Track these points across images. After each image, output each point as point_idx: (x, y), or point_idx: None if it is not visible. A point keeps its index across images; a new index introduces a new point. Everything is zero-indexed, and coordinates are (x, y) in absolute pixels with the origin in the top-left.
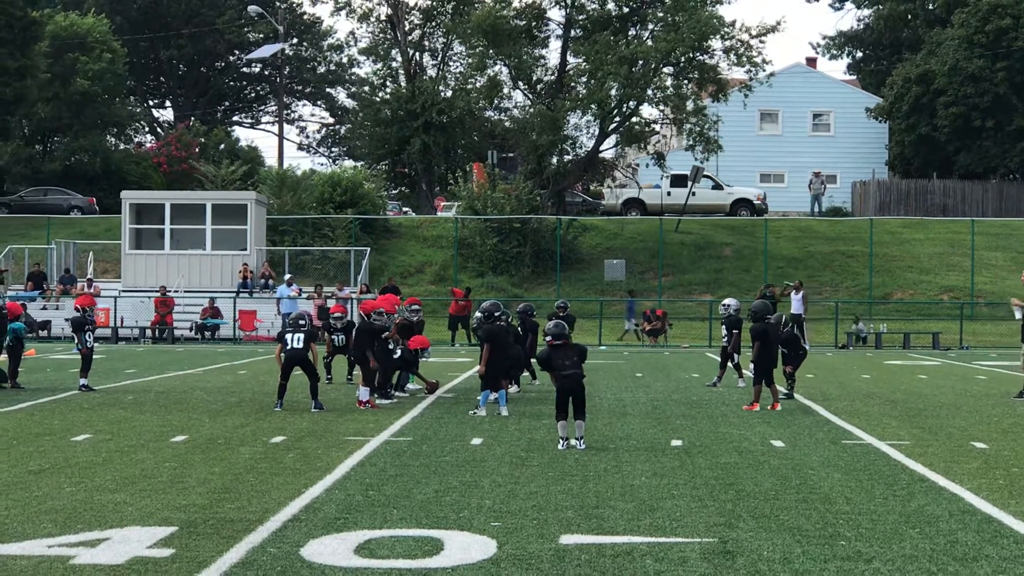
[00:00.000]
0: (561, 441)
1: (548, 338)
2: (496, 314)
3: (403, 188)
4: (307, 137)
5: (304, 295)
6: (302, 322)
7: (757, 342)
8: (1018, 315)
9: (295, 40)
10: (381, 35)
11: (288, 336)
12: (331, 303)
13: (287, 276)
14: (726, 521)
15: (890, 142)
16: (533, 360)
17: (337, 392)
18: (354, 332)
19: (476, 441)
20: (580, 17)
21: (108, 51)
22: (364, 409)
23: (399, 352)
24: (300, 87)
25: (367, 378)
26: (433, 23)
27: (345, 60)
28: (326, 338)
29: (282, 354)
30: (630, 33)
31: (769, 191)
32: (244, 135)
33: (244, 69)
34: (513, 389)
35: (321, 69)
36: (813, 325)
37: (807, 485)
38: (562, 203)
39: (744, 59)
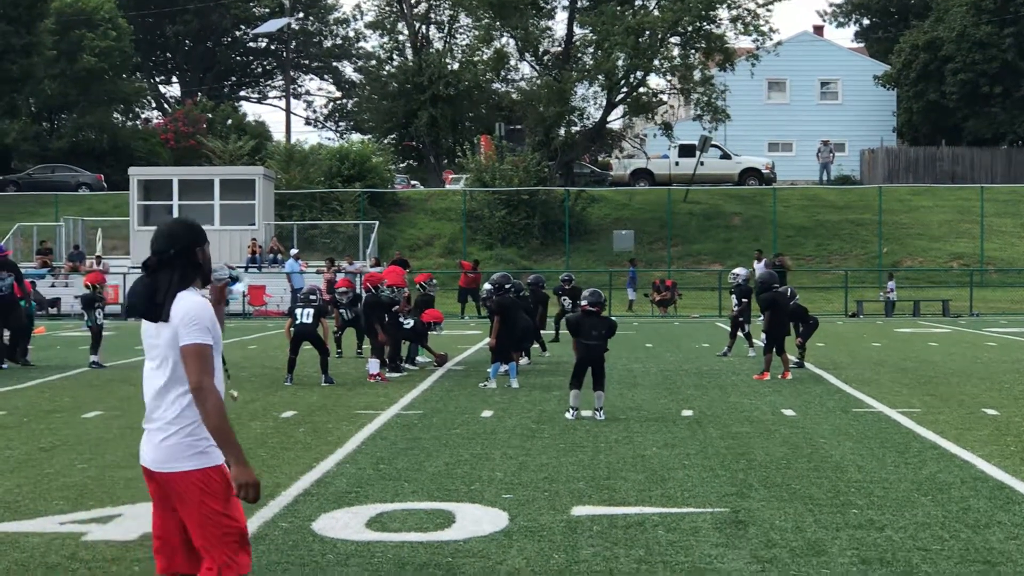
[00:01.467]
0: (571, 410)
1: (583, 303)
2: (506, 286)
3: (411, 161)
4: (314, 111)
5: (314, 269)
6: (312, 297)
7: (767, 311)
8: None
9: (301, 14)
10: (387, 8)
11: (298, 311)
12: (340, 277)
13: (293, 251)
14: (737, 491)
15: (898, 110)
16: (543, 332)
17: (347, 366)
18: (361, 305)
19: (487, 413)
20: None
21: (114, 28)
22: (374, 382)
23: (411, 322)
24: (307, 61)
25: (376, 351)
26: None
27: (351, 34)
28: (335, 312)
29: (291, 328)
30: (636, 3)
31: (777, 160)
32: (251, 110)
33: (250, 44)
34: (523, 361)
35: (328, 43)
36: (824, 294)
37: (818, 454)
38: (570, 174)
39: (751, 28)
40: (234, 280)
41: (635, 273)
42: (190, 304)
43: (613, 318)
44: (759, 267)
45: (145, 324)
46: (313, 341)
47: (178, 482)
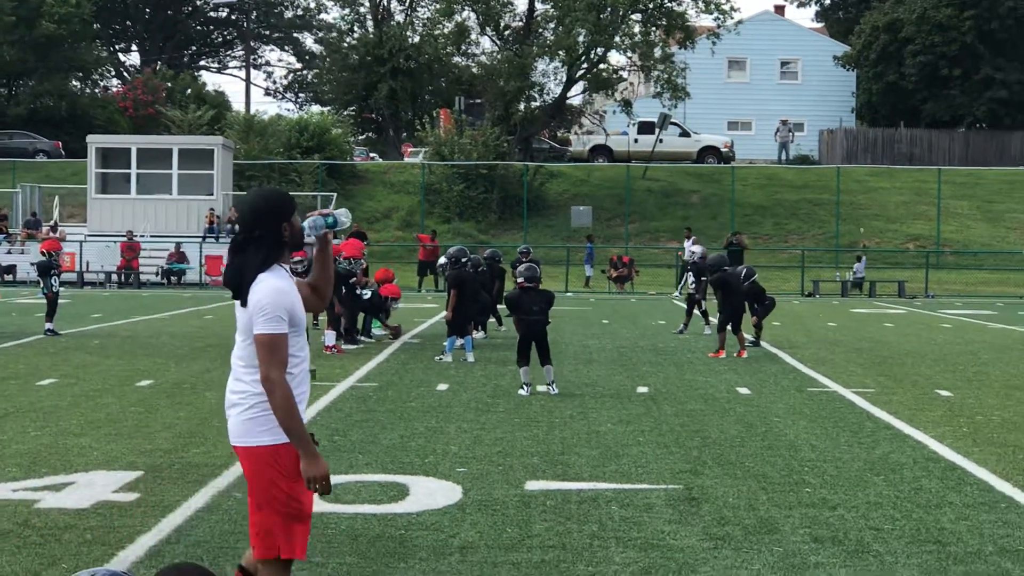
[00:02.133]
0: (524, 387)
1: (520, 280)
2: (463, 260)
3: (370, 134)
4: (274, 82)
5: None
6: None
7: (719, 291)
8: None
9: None
10: None
11: None
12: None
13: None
14: (691, 468)
15: (858, 90)
16: (500, 306)
17: None
18: None
19: (442, 387)
20: None
21: None
22: (330, 354)
23: (367, 294)
24: (267, 32)
25: (332, 323)
26: None
27: (312, 5)
28: None
29: None
30: None
31: (736, 139)
32: (211, 80)
33: (211, 13)
34: (479, 335)
35: (288, 14)
36: (780, 273)
37: (772, 432)
38: (529, 149)
39: (712, 6)
40: (331, 225)
41: (592, 249)
42: (265, 290)
43: (550, 290)
44: (688, 245)
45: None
46: None
47: (249, 457)
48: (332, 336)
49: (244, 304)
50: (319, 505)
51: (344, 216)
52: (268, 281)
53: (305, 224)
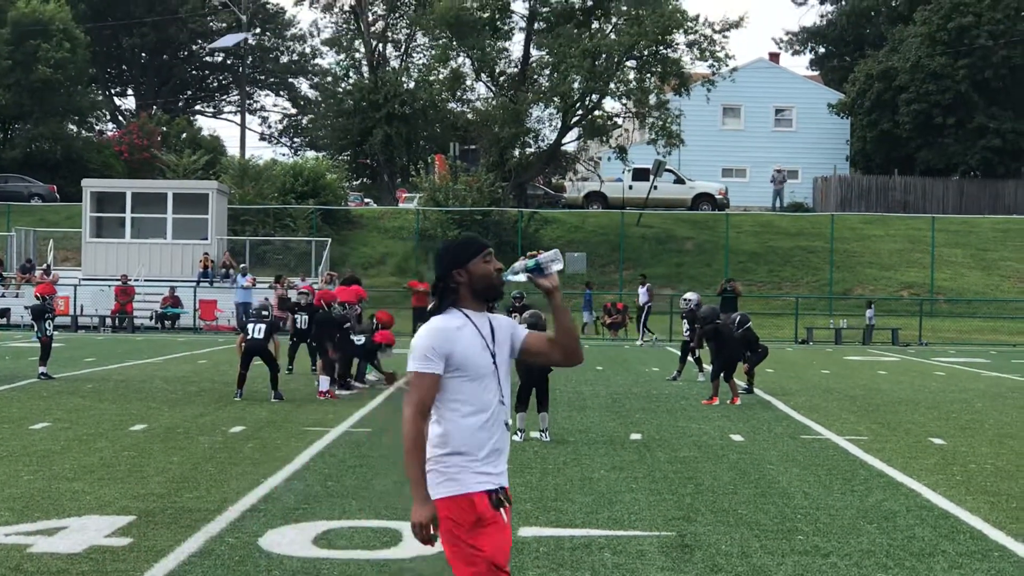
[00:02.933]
0: (518, 432)
1: (523, 326)
2: None
3: (365, 179)
4: (269, 127)
5: (266, 284)
6: (264, 312)
7: (712, 343)
8: None
9: (258, 30)
10: (344, 25)
11: (250, 326)
12: (292, 294)
13: (242, 265)
14: (684, 515)
15: (852, 138)
16: None
17: (297, 382)
18: (315, 322)
19: None
20: (544, 10)
21: (68, 39)
22: (324, 400)
23: (361, 339)
24: (263, 77)
25: (327, 368)
26: (397, 14)
27: (308, 50)
28: (289, 319)
29: (243, 344)
30: (593, 26)
31: (731, 186)
32: (206, 124)
33: (207, 58)
34: None
35: (284, 59)
36: (774, 320)
37: (765, 479)
38: (524, 196)
39: (707, 53)
40: (533, 269)
41: (591, 296)
42: (422, 331)
43: (637, 344)
44: (642, 292)
45: None
46: (264, 356)
47: (437, 509)
48: (326, 381)
49: None
50: (313, 551)
51: (552, 259)
52: (428, 324)
53: (510, 270)
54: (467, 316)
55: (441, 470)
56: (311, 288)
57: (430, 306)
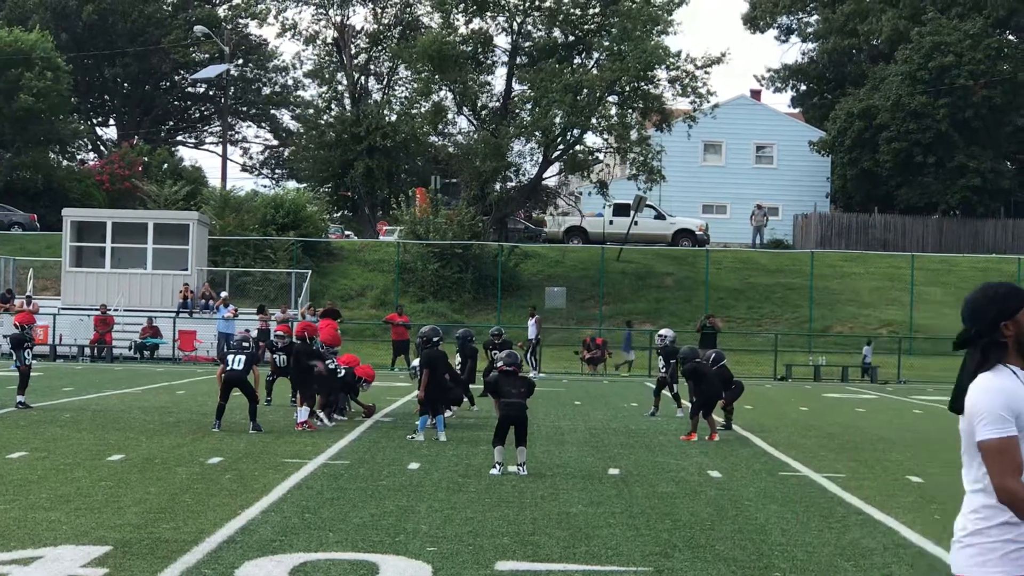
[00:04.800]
0: (496, 466)
1: (500, 364)
2: (435, 339)
3: (345, 211)
4: (251, 158)
5: (245, 317)
6: (245, 344)
7: (691, 381)
8: None
9: (241, 61)
10: (327, 58)
11: (230, 357)
12: (273, 325)
13: (223, 294)
14: (662, 550)
15: (832, 176)
16: (472, 386)
17: (275, 414)
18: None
19: (413, 466)
20: (526, 44)
21: (50, 69)
22: (301, 431)
23: (342, 372)
24: (245, 108)
25: (306, 399)
26: (379, 47)
27: (290, 82)
28: (269, 358)
29: (222, 375)
30: (575, 61)
31: (711, 222)
32: (188, 155)
33: (189, 89)
34: (448, 413)
35: (266, 90)
36: (753, 357)
37: (743, 516)
38: (504, 230)
39: (689, 90)
40: None
41: (631, 335)
42: (977, 391)
43: (530, 378)
44: (531, 324)
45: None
46: (243, 388)
47: None
48: (305, 412)
49: (960, 410)
50: None
51: None
52: (982, 382)
53: None
54: (1015, 374)
55: (979, 552)
56: (287, 329)
57: (974, 363)
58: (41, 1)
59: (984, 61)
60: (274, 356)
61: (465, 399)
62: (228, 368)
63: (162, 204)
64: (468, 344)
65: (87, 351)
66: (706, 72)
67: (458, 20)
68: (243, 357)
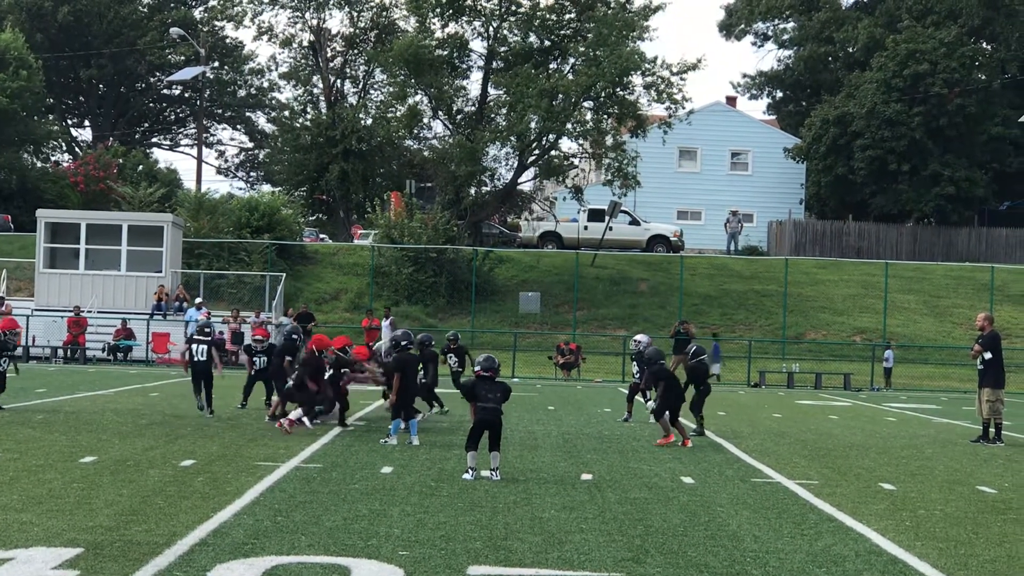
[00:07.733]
0: (469, 471)
1: (477, 368)
2: (405, 343)
3: (320, 215)
4: (226, 161)
5: (220, 319)
6: (207, 330)
7: (661, 382)
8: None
9: (216, 63)
10: (303, 61)
11: (194, 347)
12: (246, 328)
13: (198, 299)
14: (634, 556)
15: (807, 183)
16: (436, 390)
17: (248, 417)
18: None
19: (386, 470)
20: (502, 49)
21: (23, 67)
22: (279, 431)
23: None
24: (220, 110)
25: (283, 400)
26: (355, 51)
27: (266, 84)
28: (246, 361)
29: (188, 365)
30: (551, 66)
31: (686, 228)
32: (163, 157)
33: (164, 91)
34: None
35: (242, 93)
36: (727, 363)
37: (715, 522)
38: (479, 234)
39: (664, 96)
40: None
41: (718, 347)
42: None
43: (506, 383)
44: (386, 325)
45: None
46: (205, 378)
47: None
48: (298, 412)
49: None
50: None
51: None
52: None
53: None
54: None
55: None
56: (265, 332)
57: None
58: (16, 2)
59: (959, 69)
60: (253, 359)
61: (426, 403)
62: (194, 359)
63: (136, 206)
64: (428, 348)
65: (60, 352)
66: (682, 78)
67: (434, 24)
68: (205, 347)
